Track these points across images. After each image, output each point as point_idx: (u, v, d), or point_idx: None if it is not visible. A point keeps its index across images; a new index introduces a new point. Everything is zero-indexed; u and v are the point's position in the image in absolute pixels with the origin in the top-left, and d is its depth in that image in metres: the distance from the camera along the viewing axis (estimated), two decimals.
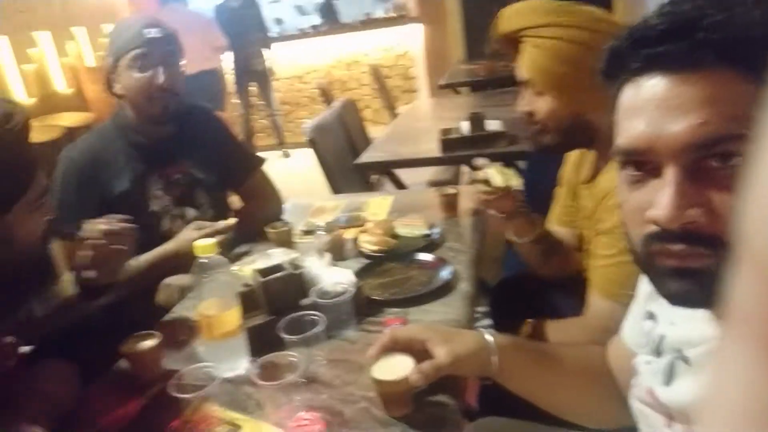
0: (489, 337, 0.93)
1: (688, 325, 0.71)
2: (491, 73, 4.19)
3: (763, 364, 0.23)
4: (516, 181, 1.37)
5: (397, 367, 0.91)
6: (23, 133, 1.06)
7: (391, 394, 0.93)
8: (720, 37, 0.55)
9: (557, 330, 1.28)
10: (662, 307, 0.78)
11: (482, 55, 5.22)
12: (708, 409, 0.27)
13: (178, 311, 1.39)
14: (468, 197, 1.65)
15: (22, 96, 4.12)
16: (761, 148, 0.25)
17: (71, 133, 3.82)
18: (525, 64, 1.22)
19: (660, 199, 0.58)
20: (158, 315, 1.37)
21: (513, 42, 1.25)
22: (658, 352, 0.76)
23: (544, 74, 1.20)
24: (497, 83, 4.21)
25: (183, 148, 1.70)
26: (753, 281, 0.24)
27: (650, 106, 0.59)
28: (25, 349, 1.12)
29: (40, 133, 3.81)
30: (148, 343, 1.12)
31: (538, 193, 1.68)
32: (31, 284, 1.21)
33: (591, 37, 1.14)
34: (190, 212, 1.70)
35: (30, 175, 1.08)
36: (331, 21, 6.28)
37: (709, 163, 0.57)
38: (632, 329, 0.88)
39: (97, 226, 1.23)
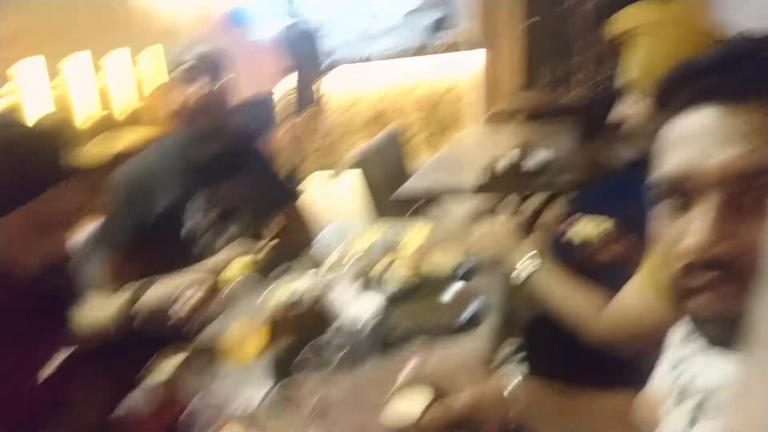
0: (513, 383, 0.91)
1: (711, 372, 0.69)
2: (548, 102, 4.15)
3: None
4: (607, 225, 1.37)
5: (413, 405, 0.90)
6: (32, 141, 1.03)
7: None
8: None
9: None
10: (689, 353, 0.76)
11: (541, 84, 5.19)
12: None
13: (208, 332, 1.42)
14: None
15: (93, 110, 4.34)
16: None
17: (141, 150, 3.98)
18: (634, 65, 1.19)
19: (696, 226, 0.57)
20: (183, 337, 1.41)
21: (625, 43, 1.23)
22: (681, 399, 0.73)
23: (652, 76, 1.17)
24: (552, 112, 4.18)
25: (228, 170, 1.76)
26: None
27: (698, 135, 0.59)
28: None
29: (107, 147, 4.00)
30: (178, 359, 1.15)
31: None
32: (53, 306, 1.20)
33: (702, 41, 1.12)
34: (233, 229, 1.75)
35: (36, 186, 1.01)
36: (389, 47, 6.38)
37: (752, 195, 0.56)
38: (660, 380, 0.86)
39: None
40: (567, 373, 1.43)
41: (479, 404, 0.87)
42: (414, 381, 0.93)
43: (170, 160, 1.71)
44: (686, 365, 0.76)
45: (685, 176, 0.59)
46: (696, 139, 0.59)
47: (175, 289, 1.29)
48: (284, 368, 1.12)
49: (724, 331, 0.58)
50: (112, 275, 1.62)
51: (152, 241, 1.64)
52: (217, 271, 1.49)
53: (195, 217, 1.70)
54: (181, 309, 1.27)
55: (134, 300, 1.30)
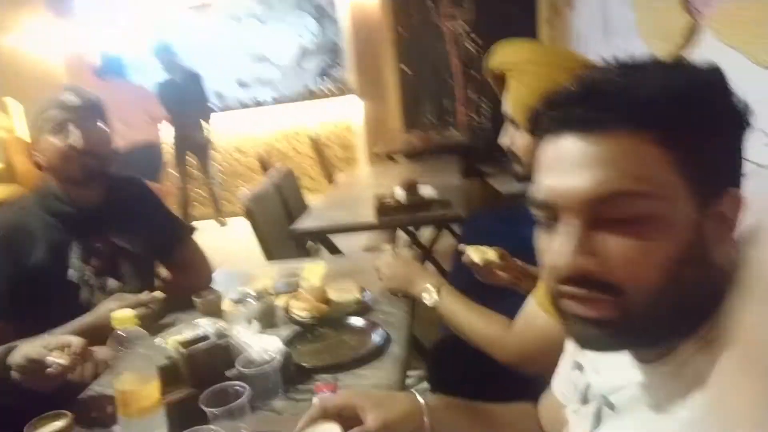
0: (420, 399, 0.92)
1: (611, 372, 0.73)
2: (426, 142, 4.33)
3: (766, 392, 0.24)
4: (492, 254, 1.47)
5: None
6: None
7: None
8: (622, 101, 0.59)
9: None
10: (587, 356, 0.80)
11: (419, 126, 5.42)
12: None
13: (97, 388, 1.31)
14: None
15: None
16: None
17: None
18: (508, 99, 1.26)
19: (556, 245, 0.61)
20: (73, 392, 1.29)
21: (500, 79, 1.29)
22: (584, 400, 0.77)
23: (523, 109, 1.23)
24: (432, 151, 4.36)
25: (108, 217, 1.66)
26: (760, 315, 0.25)
27: (561, 162, 0.63)
28: None
29: None
30: (57, 425, 1.05)
31: None
32: None
33: (567, 78, 1.19)
34: (112, 283, 1.64)
35: None
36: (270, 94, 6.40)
37: (609, 217, 0.59)
38: (561, 382, 0.90)
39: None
40: (471, 394, 1.47)
41: (389, 423, 0.87)
42: (322, 416, 0.91)
43: (37, 214, 1.58)
44: (582, 371, 0.80)
45: (548, 199, 0.64)
46: (557, 165, 0.63)
47: (39, 356, 1.19)
48: (183, 419, 1.05)
49: (595, 337, 0.62)
50: None
51: (30, 297, 1.50)
52: (101, 324, 1.39)
53: (75, 269, 1.58)
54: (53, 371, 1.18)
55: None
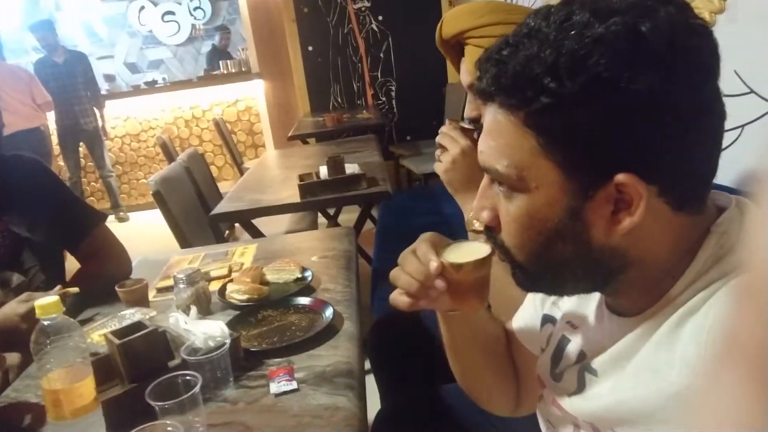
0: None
1: (587, 327, 0.72)
2: (337, 123, 4.25)
3: (757, 393, 0.24)
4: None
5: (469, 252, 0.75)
6: None
7: (474, 282, 0.75)
8: (496, 76, 0.60)
9: None
10: (558, 309, 0.78)
11: (327, 108, 5.32)
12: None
13: (12, 394, 1.14)
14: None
15: None
16: (763, 189, 0.26)
17: None
18: (468, 68, 1.19)
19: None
20: None
21: (455, 47, 1.22)
22: (558, 357, 0.75)
23: None
24: (344, 133, 4.29)
25: (3, 203, 1.45)
26: (751, 312, 0.25)
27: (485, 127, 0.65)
28: None
29: None
30: None
31: (400, 233, 1.65)
32: None
33: None
34: (14, 277, 1.44)
35: None
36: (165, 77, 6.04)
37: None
38: (527, 329, 0.87)
39: None
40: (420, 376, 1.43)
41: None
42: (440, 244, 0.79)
43: None
44: (560, 318, 0.78)
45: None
46: (483, 129, 0.65)
47: None
48: (123, 417, 0.93)
49: (515, 277, 0.68)
50: None
51: None
52: (9, 326, 1.23)
53: None
54: None
55: None
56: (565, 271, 0.63)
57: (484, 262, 0.73)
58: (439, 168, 1.24)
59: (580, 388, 0.70)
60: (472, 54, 1.19)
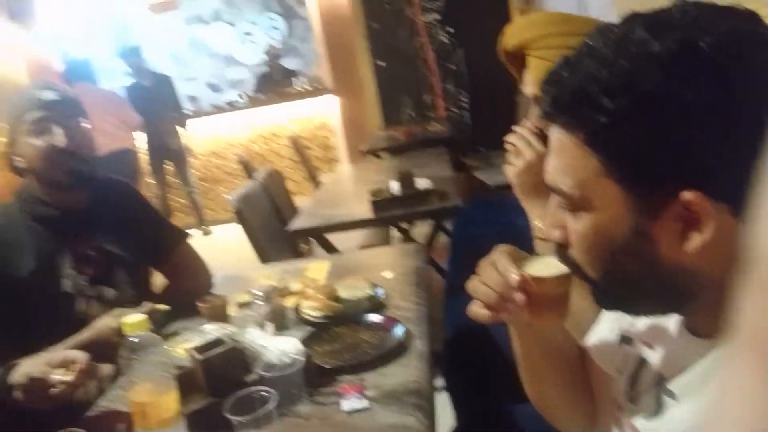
0: None
1: (665, 348, 0.69)
2: (410, 136, 4.28)
3: (765, 383, 0.24)
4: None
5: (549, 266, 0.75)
6: None
7: (554, 297, 0.75)
8: (556, 96, 0.61)
9: None
10: (636, 329, 0.76)
11: (398, 121, 5.37)
12: (712, 427, 0.28)
13: (104, 403, 1.23)
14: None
15: None
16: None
17: None
18: (531, 79, 1.19)
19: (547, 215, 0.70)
20: (74, 410, 1.21)
21: (518, 58, 1.23)
22: (635, 378, 0.73)
23: None
24: (416, 146, 4.31)
25: (96, 222, 1.57)
26: (761, 304, 0.25)
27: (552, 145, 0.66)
28: None
29: None
30: None
31: (474, 246, 1.64)
32: None
33: None
34: (108, 292, 1.55)
35: None
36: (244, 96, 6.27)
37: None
38: (603, 349, 0.84)
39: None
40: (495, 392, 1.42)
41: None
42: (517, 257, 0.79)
43: (21, 220, 1.49)
44: (632, 345, 0.76)
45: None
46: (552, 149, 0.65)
47: (42, 374, 1.10)
48: (203, 430, 0.98)
49: (593, 294, 0.67)
50: None
51: (22, 311, 1.41)
52: (102, 339, 1.32)
53: (69, 278, 1.48)
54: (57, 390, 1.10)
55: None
56: (637, 289, 0.62)
57: (566, 278, 0.72)
58: (511, 171, 1.21)
59: (658, 411, 0.68)
60: (533, 65, 1.19)
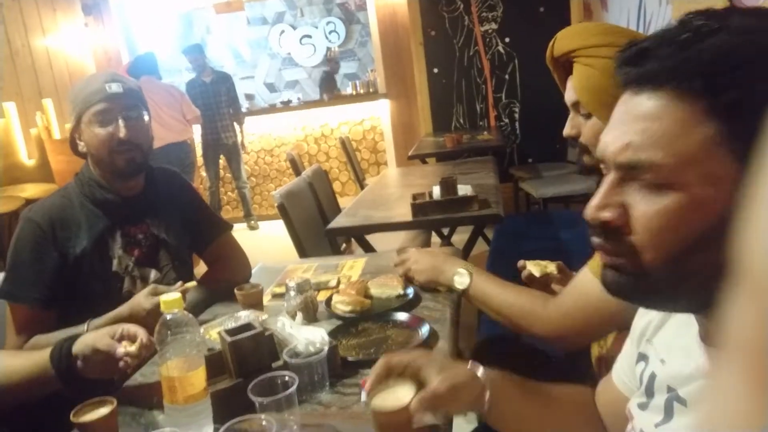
0: (481, 371, 0.89)
1: (677, 361, 0.69)
2: (456, 144, 4.28)
3: (757, 394, 0.24)
4: (552, 267, 1.41)
5: (399, 397, 0.85)
6: None
7: (390, 426, 0.85)
8: (677, 56, 0.56)
9: None
10: (652, 345, 0.76)
11: (449, 129, 5.38)
12: None
13: (139, 378, 1.29)
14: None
15: None
16: (759, 181, 0.25)
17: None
18: (576, 85, 1.21)
19: (596, 193, 0.62)
20: (112, 383, 1.28)
21: (564, 65, 1.25)
22: (650, 392, 0.73)
23: (593, 93, 1.17)
24: (464, 153, 4.32)
25: (148, 208, 1.65)
26: (750, 310, 0.25)
27: (615, 116, 0.62)
28: None
29: (2, 203, 3.69)
30: (101, 411, 1.02)
31: (513, 257, 1.64)
32: None
33: None
34: (152, 274, 1.63)
35: None
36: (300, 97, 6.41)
37: (636, 181, 0.59)
38: (624, 372, 0.86)
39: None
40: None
41: (456, 388, 0.84)
42: (388, 374, 0.88)
43: (80, 202, 1.58)
44: (647, 362, 0.76)
45: (601, 154, 0.63)
46: (613, 119, 0.62)
47: (107, 347, 1.17)
48: (226, 409, 1.02)
49: (615, 284, 0.62)
50: (23, 326, 1.46)
51: (74, 286, 1.49)
52: (137, 315, 1.38)
53: (118, 258, 1.57)
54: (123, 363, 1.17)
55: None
56: (693, 283, 0.57)
57: (399, 413, 0.82)
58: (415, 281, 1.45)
59: (668, 417, 0.68)
60: (579, 72, 1.19)
